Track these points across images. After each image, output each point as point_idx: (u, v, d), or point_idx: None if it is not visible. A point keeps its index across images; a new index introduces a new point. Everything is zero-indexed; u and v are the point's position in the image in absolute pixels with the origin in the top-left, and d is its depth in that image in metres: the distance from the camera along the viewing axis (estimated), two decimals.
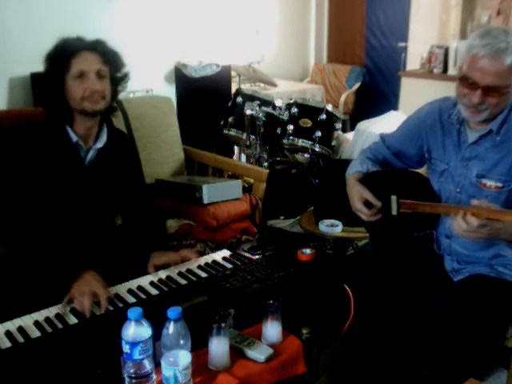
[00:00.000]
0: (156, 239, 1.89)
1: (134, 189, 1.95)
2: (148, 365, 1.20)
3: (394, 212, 1.72)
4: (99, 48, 1.77)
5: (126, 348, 1.18)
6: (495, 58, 1.56)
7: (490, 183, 1.72)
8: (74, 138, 1.78)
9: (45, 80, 1.80)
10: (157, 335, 1.23)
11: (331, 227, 2.62)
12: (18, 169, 1.75)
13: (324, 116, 3.20)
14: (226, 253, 1.87)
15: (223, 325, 1.29)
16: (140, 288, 1.61)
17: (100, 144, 1.83)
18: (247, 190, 2.75)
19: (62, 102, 1.76)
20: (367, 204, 1.82)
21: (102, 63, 1.76)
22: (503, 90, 1.61)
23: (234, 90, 3.71)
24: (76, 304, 1.51)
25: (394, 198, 1.71)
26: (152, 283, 1.65)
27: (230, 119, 3.34)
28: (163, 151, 2.93)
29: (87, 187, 1.81)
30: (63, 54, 1.73)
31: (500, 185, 1.70)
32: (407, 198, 1.71)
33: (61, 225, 1.76)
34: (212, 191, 2.50)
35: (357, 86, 5.18)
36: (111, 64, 1.80)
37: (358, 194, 1.84)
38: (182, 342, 1.22)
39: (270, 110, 3.26)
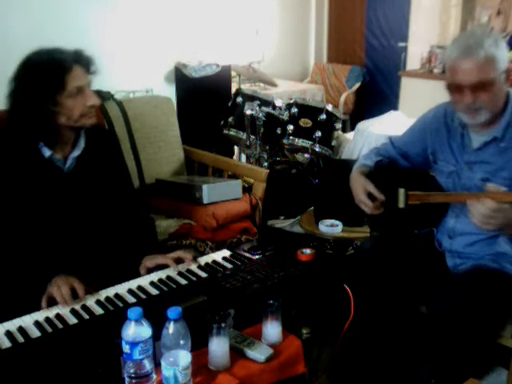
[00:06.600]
0: (147, 243, 1.87)
1: (122, 188, 1.89)
2: (148, 365, 1.20)
3: (402, 205, 1.73)
4: (83, 59, 1.67)
5: (125, 348, 1.18)
6: (468, 55, 1.60)
7: None
8: (47, 153, 1.70)
9: (26, 101, 1.61)
10: (157, 335, 1.23)
11: (331, 227, 2.62)
12: None
13: (324, 116, 3.20)
14: (225, 253, 1.86)
15: (223, 325, 1.28)
16: (140, 288, 1.61)
17: (77, 152, 1.75)
18: (247, 190, 2.75)
19: (48, 121, 1.63)
20: (370, 197, 1.84)
21: (87, 74, 1.68)
22: (489, 83, 1.62)
23: (234, 90, 3.71)
24: (55, 295, 1.51)
25: (402, 190, 1.73)
26: (152, 283, 1.65)
27: (230, 119, 3.34)
28: (163, 151, 2.93)
29: (71, 194, 1.75)
30: (55, 72, 1.59)
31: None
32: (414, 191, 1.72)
33: (44, 235, 1.70)
34: (212, 191, 2.50)
35: (357, 86, 5.18)
36: (90, 72, 1.71)
37: (361, 187, 1.87)
38: (182, 342, 1.22)
39: (270, 110, 3.26)
